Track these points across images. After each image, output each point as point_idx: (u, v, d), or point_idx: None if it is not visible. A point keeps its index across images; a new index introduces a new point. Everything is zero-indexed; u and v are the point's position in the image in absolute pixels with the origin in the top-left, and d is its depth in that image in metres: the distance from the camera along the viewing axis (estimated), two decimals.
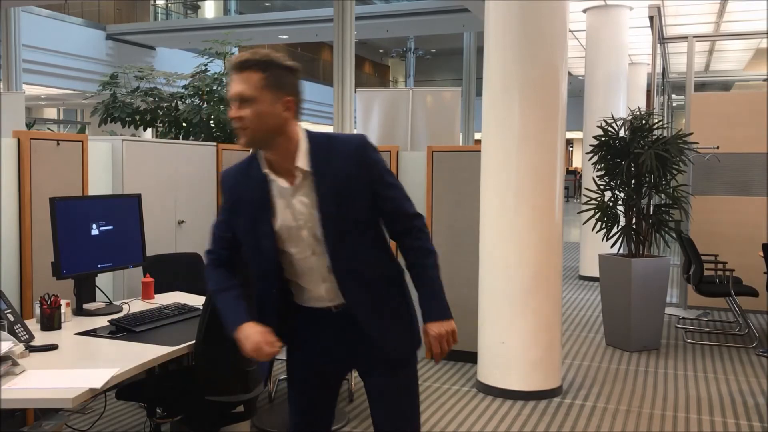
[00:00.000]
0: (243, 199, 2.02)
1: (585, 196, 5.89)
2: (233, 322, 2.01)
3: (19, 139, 3.65)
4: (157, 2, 21.06)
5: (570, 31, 4.73)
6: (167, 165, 4.70)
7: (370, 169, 2.00)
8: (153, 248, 3.97)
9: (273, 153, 1.96)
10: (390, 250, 2.12)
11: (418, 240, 2.06)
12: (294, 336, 2.14)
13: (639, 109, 5.81)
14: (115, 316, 2.98)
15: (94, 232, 3.27)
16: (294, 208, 1.98)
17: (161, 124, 6.47)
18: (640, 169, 5.39)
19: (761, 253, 5.49)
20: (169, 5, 21.79)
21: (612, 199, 5.62)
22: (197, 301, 3.30)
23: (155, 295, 3.51)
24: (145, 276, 3.55)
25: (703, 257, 5.84)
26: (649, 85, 10.19)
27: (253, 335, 1.96)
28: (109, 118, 6.26)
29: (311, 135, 1.99)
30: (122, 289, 4.27)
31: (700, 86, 16.73)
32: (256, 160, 2.01)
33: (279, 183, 1.98)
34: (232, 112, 1.91)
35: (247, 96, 1.88)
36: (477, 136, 8.71)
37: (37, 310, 2.91)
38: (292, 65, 1.94)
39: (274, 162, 1.98)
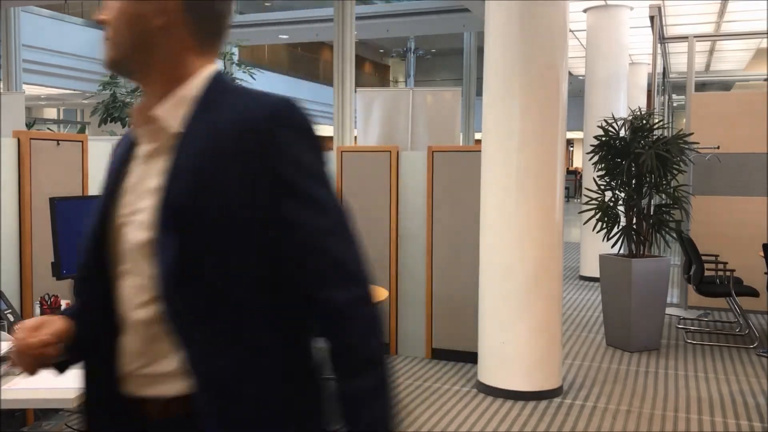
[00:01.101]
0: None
1: (585, 196, 5.89)
2: None
3: (19, 139, 3.64)
4: None
5: (570, 31, 4.73)
6: None
7: (276, 160, 1.09)
8: None
9: (146, 91, 1.21)
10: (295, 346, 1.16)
11: (341, 334, 1.09)
12: None
13: (639, 109, 5.82)
14: None
15: None
16: (136, 189, 1.18)
17: None
18: (640, 169, 5.39)
19: (761, 253, 5.49)
20: None
21: (612, 199, 5.62)
22: None
23: None
24: None
25: (703, 257, 5.84)
26: (649, 85, 10.20)
27: (23, 328, 1.20)
28: (109, 118, 6.28)
29: (219, 79, 1.19)
30: None
31: (701, 86, 16.73)
32: None
33: (141, 143, 1.22)
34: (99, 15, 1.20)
35: None
36: (477, 136, 8.70)
37: (37, 310, 2.91)
38: None
39: (145, 109, 1.20)
